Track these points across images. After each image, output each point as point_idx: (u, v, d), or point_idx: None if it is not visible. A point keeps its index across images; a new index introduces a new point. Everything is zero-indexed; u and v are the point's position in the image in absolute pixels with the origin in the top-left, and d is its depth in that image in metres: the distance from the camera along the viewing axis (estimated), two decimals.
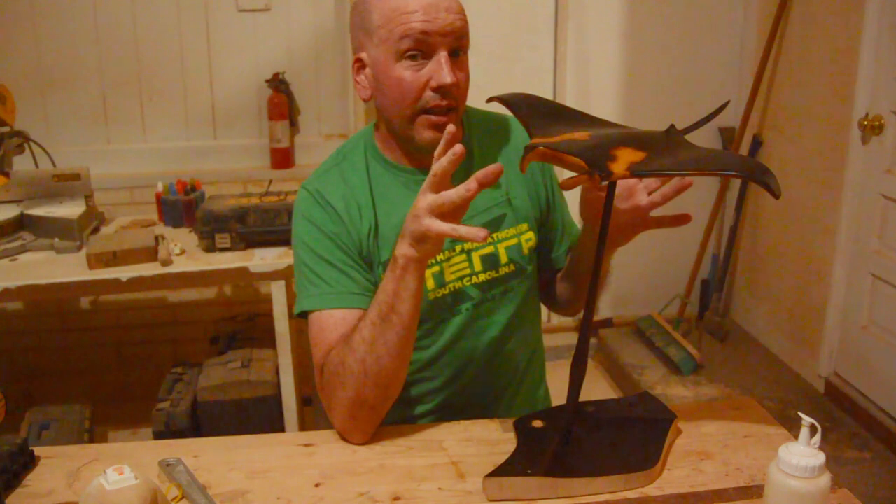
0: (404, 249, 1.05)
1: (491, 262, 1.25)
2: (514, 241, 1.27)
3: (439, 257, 1.22)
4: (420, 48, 1.12)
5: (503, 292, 1.27)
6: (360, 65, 1.19)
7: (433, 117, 1.14)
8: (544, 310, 3.47)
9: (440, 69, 1.12)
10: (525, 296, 1.30)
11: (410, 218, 1.03)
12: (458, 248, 1.24)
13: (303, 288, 1.21)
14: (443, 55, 1.12)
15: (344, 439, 1.14)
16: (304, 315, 1.20)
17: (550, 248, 1.36)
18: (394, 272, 1.07)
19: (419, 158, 1.22)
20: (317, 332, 1.18)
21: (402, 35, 1.11)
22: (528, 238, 1.28)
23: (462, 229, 0.99)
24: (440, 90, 1.13)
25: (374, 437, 1.14)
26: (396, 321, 1.08)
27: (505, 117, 1.32)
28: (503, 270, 1.26)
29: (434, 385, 1.30)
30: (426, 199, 1.01)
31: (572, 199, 1.25)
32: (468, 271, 1.24)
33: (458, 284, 1.24)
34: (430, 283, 1.22)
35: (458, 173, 1.07)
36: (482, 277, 1.25)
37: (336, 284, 1.18)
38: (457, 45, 1.14)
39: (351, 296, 1.18)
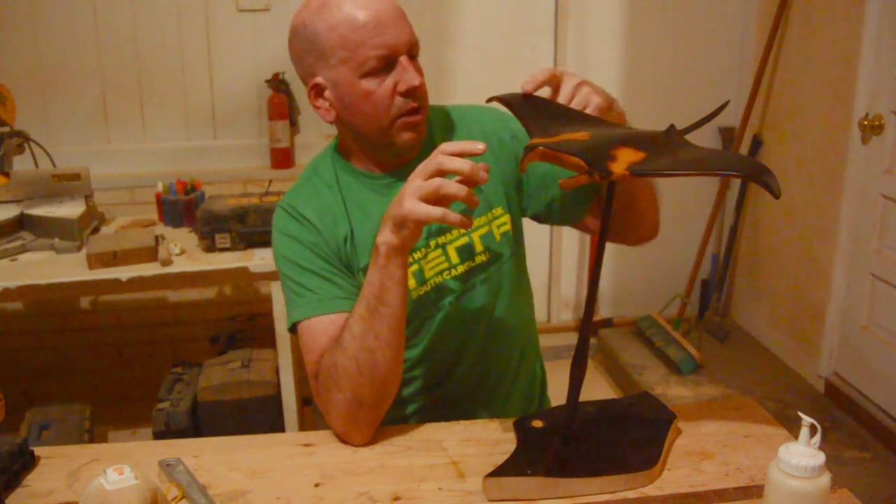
0: (385, 237, 1.06)
1: (467, 252, 1.26)
2: (485, 229, 1.27)
3: (416, 255, 1.23)
4: (385, 63, 1.14)
5: (482, 280, 1.27)
6: (317, 90, 1.20)
7: (408, 118, 1.17)
8: (544, 310, 3.46)
9: (405, 73, 1.15)
10: (507, 281, 1.30)
11: (395, 203, 1.05)
12: (432, 243, 1.24)
13: (290, 301, 1.22)
14: (404, 59, 1.15)
15: (344, 442, 1.14)
16: (294, 329, 1.21)
17: (566, 204, 1.30)
18: (376, 262, 1.08)
19: (390, 163, 1.24)
20: (307, 340, 1.18)
21: (367, 54, 1.13)
22: (501, 223, 1.28)
23: (451, 216, 1.01)
24: (409, 93, 1.15)
25: (374, 437, 1.14)
26: (385, 312, 1.08)
27: (461, 109, 1.33)
28: (479, 259, 1.27)
29: (426, 382, 1.30)
30: (413, 183, 1.02)
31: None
32: (446, 265, 1.25)
33: (438, 280, 1.25)
34: (412, 282, 1.23)
35: (420, 161, 1.09)
36: (460, 269, 1.26)
37: (321, 291, 1.19)
38: (412, 50, 1.17)
39: (337, 300, 1.18)
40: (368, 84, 1.14)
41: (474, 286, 1.27)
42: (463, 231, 1.25)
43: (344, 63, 1.15)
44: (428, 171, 1.02)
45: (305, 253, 1.21)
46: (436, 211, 1.01)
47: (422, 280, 1.24)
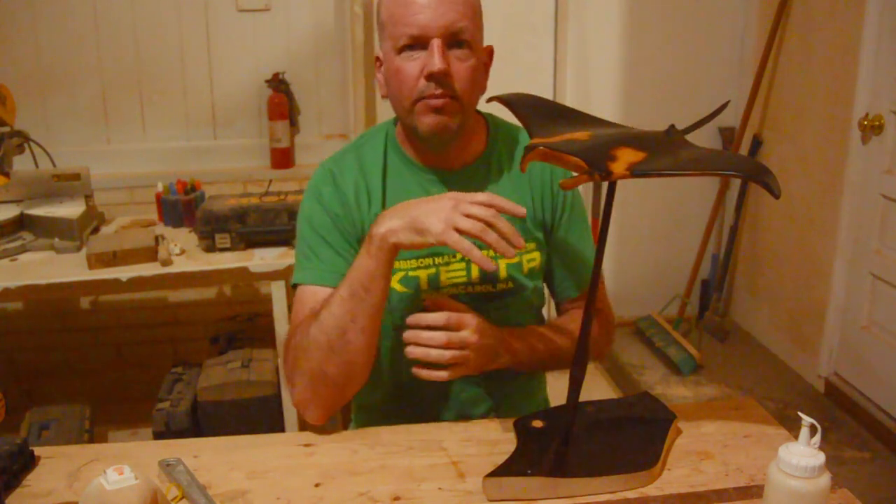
0: (389, 228, 1.06)
1: (490, 276, 1.24)
2: (515, 259, 1.26)
3: (438, 260, 1.22)
4: (416, 42, 1.13)
5: (497, 307, 1.25)
6: (378, 63, 1.22)
7: (431, 101, 1.15)
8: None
9: (431, 57, 1.12)
10: (523, 316, 1.28)
11: (426, 207, 1.05)
12: (458, 255, 1.23)
13: (298, 260, 1.24)
14: (435, 42, 1.12)
15: (302, 415, 1.15)
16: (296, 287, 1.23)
17: (552, 277, 1.34)
18: (369, 251, 1.08)
19: (430, 157, 1.23)
20: (299, 305, 1.19)
21: (401, 31, 1.13)
22: (532, 258, 1.27)
23: (476, 254, 1.02)
24: (432, 77, 1.13)
25: (373, 438, 1.14)
26: (367, 300, 1.09)
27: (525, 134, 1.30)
28: (501, 287, 1.25)
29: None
30: (457, 211, 1.03)
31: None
32: (465, 280, 1.24)
33: (452, 290, 1.24)
34: (425, 284, 1.22)
35: (477, 177, 1.15)
36: (478, 289, 1.24)
37: (329, 263, 1.20)
38: (453, 38, 1.14)
39: (340, 276, 1.17)
40: (401, 61, 1.15)
41: (487, 311, 1.23)
42: (492, 254, 1.22)
43: (388, 39, 1.16)
44: (471, 212, 1.03)
45: (328, 222, 1.22)
46: (464, 244, 1.02)
47: (436, 285, 1.23)
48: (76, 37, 2.74)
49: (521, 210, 1.05)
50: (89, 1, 2.71)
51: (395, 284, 1.22)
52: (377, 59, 1.22)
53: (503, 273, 1.25)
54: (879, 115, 2.42)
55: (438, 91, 1.14)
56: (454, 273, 1.24)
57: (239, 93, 2.86)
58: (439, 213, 1.04)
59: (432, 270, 1.23)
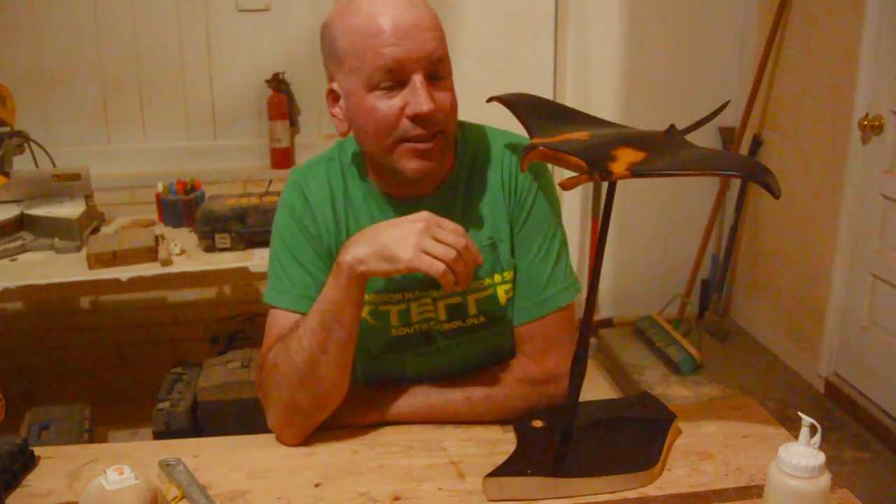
0: (354, 256, 1.02)
1: (457, 312, 1.18)
2: (489, 292, 1.17)
3: (408, 295, 1.17)
4: (394, 78, 1.02)
5: (470, 340, 1.20)
6: (333, 96, 1.11)
7: (418, 145, 1.05)
8: None
9: (416, 96, 1.02)
10: (503, 343, 1.22)
11: (394, 237, 1.01)
12: (426, 291, 1.18)
13: (270, 277, 1.18)
14: (417, 79, 1.02)
15: (278, 439, 1.14)
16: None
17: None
18: (338, 280, 1.04)
19: (401, 187, 1.14)
20: (269, 327, 1.15)
21: (374, 65, 1.01)
22: (510, 288, 1.18)
23: (449, 278, 1.00)
24: (418, 119, 1.03)
25: (373, 438, 1.14)
26: (338, 331, 1.06)
27: (502, 145, 1.20)
28: (471, 321, 1.19)
29: None
30: (426, 235, 1.00)
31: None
32: (433, 316, 1.18)
33: (424, 326, 1.19)
34: (395, 320, 1.18)
35: (445, 199, 1.10)
36: (445, 327, 1.19)
37: (300, 286, 1.14)
38: (433, 68, 1.04)
39: (311, 300, 1.11)
40: (375, 100, 1.03)
41: (460, 343, 1.20)
42: (458, 290, 1.14)
43: (354, 73, 1.04)
44: (444, 238, 1.00)
45: (302, 242, 1.16)
46: (437, 266, 0.99)
47: (407, 321, 1.18)
48: (76, 37, 2.74)
49: (479, 258, 1.03)
50: (89, 1, 2.72)
51: (366, 315, 1.17)
52: (331, 91, 1.10)
53: (472, 309, 1.18)
54: (879, 115, 2.42)
55: (423, 132, 1.04)
56: (424, 308, 1.18)
57: (239, 93, 2.86)
58: (408, 238, 0.99)
59: (402, 306, 1.18)
